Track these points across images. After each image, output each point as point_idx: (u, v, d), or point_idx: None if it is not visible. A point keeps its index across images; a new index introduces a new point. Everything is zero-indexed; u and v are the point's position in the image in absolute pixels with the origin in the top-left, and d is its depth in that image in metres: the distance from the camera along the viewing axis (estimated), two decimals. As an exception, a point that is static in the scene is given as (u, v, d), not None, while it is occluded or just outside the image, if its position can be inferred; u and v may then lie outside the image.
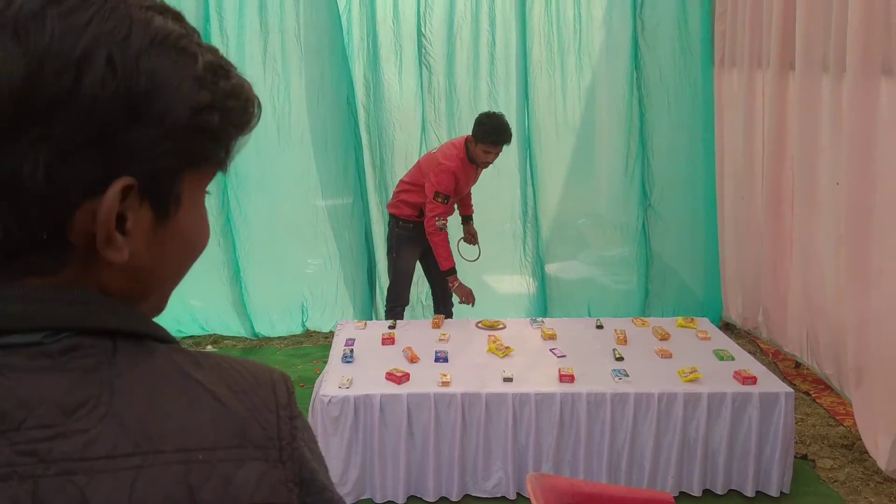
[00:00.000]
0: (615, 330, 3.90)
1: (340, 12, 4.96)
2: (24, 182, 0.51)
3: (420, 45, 5.10)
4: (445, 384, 3.31)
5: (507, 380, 3.35)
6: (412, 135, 5.18)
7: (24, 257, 0.54)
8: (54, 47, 0.51)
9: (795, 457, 3.47)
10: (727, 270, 5.23)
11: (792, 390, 3.38)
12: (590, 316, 4.65)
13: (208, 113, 0.57)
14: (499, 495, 3.33)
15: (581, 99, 5.29)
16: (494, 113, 4.14)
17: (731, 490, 3.38)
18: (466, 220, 4.59)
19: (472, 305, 4.28)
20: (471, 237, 4.58)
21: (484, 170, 4.31)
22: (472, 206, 4.60)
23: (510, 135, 4.08)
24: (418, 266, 4.53)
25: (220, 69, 0.60)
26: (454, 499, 3.31)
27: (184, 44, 0.57)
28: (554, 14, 5.17)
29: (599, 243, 5.50)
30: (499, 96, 5.20)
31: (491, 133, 4.01)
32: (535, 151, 5.24)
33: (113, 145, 0.53)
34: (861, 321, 3.65)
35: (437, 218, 4.06)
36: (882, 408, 3.53)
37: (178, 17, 0.60)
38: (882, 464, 3.45)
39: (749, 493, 3.33)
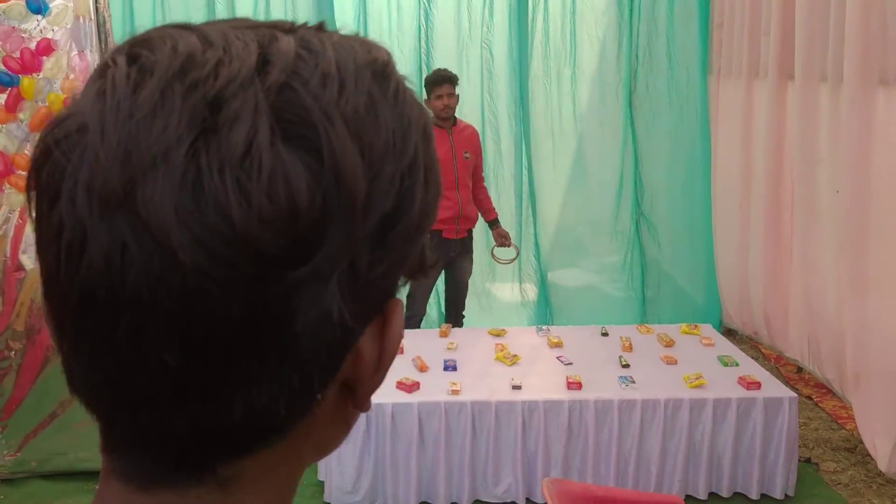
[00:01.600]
0: (620, 337, 3.96)
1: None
2: (323, 332, 0.36)
3: (419, 59, 5.18)
4: (455, 392, 3.37)
5: (516, 388, 3.41)
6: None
7: (249, 433, 0.38)
8: (390, 149, 0.37)
9: (799, 460, 3.54)
10: (723, 277, 5.31)
11: (795, 395, 3.45)
12: (592, 323, 4.71)
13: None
14: (509, 500, 3.38)
15: (577, 109, 5.39)
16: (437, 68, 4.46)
17: (736, 493, 3.44)
18: (493, 224, 4.69)
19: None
20: (502, 239, 4.69)
21: (471, 153, 4.42)
22: (492, 210, 4.70)
23: (446, 72, 4.29)
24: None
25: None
26: (465, 504, 3.38)
27: None
28: (550, 26, 5.26)
29: (599, 251, 5.58)
30: (497, 108, 5.29)
31: (427, 82, 4.33)
32: (532, 161, 5.33)
33: (401, 267, 0.40)
34: (860, 327, 3.72)
35: None
36: (880, 411, 3.59)
37: None
38: (883, 466, 3.51)
39: (754, 495, 3.40)
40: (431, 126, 0.42)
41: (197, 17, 4.85)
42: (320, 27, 0.40)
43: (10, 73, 3.21)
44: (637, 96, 5.33)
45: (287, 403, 0.37)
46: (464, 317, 4.66)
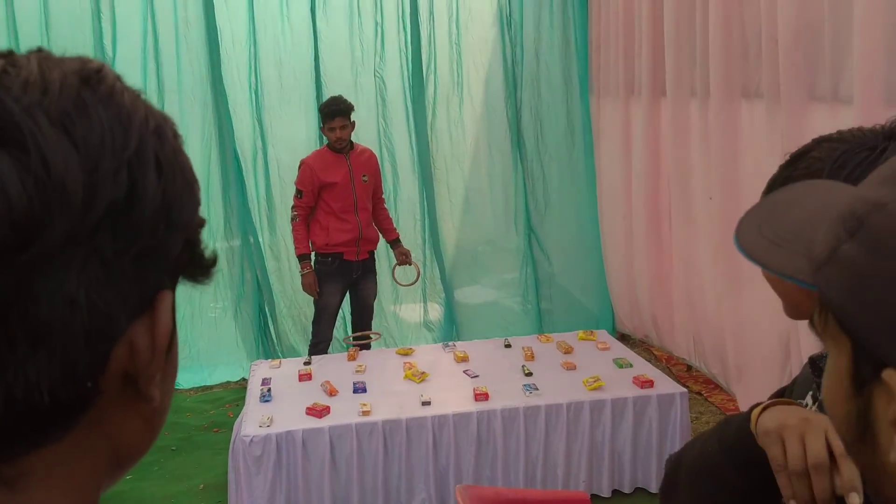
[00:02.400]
0: (522, 347, 4.10)
1: (223, 63, 5.08)
2: (73, 318, 0.38)
3: (318, 88, 5.24)
4: (366, 413, 3.40)
5: (426, 403, 3.49)
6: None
7: (28, 428, 0.39)
8: (107, 141, 0.39)
9: (693, 452, 3.75)
10: (614, 285, 5.59)
11: (685, 390, 3.68)
12: (495, 337, 4.85)
13: (201, 218, 0.48)
14: (423, 516, 3.44)
15: (466, 133, 5.59)
16: (332, 96, 4.44)
17: (637, 488, 3.62)
18: (394, 244, 4.69)
19: (314, 297, 4.49)
20: (403, 257, 4.67)
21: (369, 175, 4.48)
22: (394, 230, 4.72)
23: (336, 104, 4.28)
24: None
25: None
26: (380, 524, 3.40)
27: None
28: (437, 53, 5.45)
29: (497, 268, 5.77)
30: (392, 134, 5.41)
31: (321, 113, 4.38)
32: (428, 184, 5.48)
33: (156, 256, 0.42)
34: (737, 323, 4.01)
35: (292, 209, 4.43)
36: (760, 397, 3.85)
37: None
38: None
39: (654, 489, 3.58)
40: (168, 124, 0.45)
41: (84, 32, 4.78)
42: (39, 50, 0.43)
43: None
44: (523, 118, 5.59)
45: (50, 392, 0.38)
46: (370, 339, 4.69)
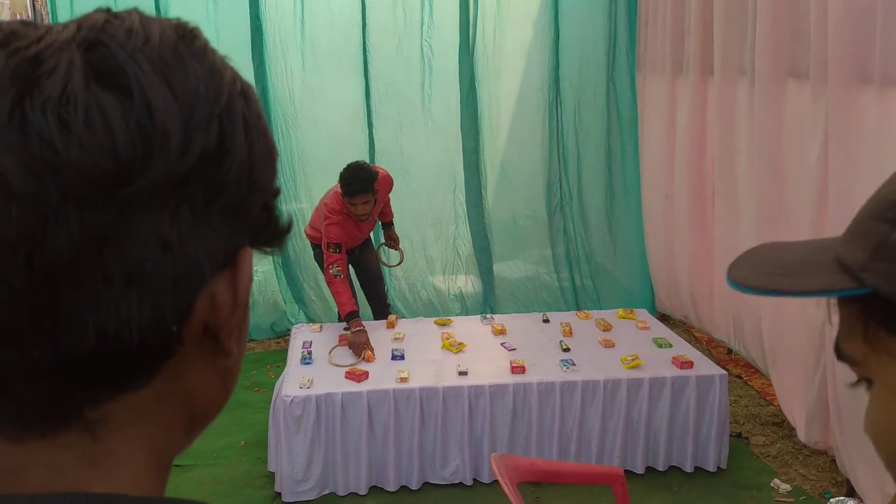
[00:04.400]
0: (561, 323, 4.11)
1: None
2: (164, 261, 0.40)
3: (365, 53, 5.26)
4: (403, 380, 3.45)
5: (462, 373, 3.52)
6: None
7: (110, 371, 0.40)
8: (202, 92, 0.41)
9: (730, 435, 3.74)
10: (655, 265, 5.54)
11: (725, 372, 3.66)
12: (533, 312, 4.86)
13: (277, 187, 0.48)
14: (456, 481, 3.49)
15: (509, 106, 5.55)
16: (350, 165, 3.95)
17: (671, 467, 3.62)
18: (387, 226, 4.53)
19: (361, 359, 3.74)
20: (392, 242, 4.55)
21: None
22: (390, 212, 4.49)
23: (358, 184, 3.87)
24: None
25: None
26: (414, 487, 3.46)
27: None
28: (486, 25, 5.40)
29: (537, 243, 5.75)
30: (435, 106, 5.41)
31: (343, 187, 3.92)
32: (476, 155, 5.47)
33: (240, 212, 0.43)
34: (774, 308, 3.96)
35: (331, 267, 3.98)
36: (794, 385, 3.83)
37: None
38: (802, 437, 3.74)
39: (688, 468, 3.58)
40: (251, 90, 0.46)
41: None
42: (135, 8, 0.44)
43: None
44: (564, 93, 5.52)
45: (139, 331, 0.39)
46: (389, 305, 4.63)
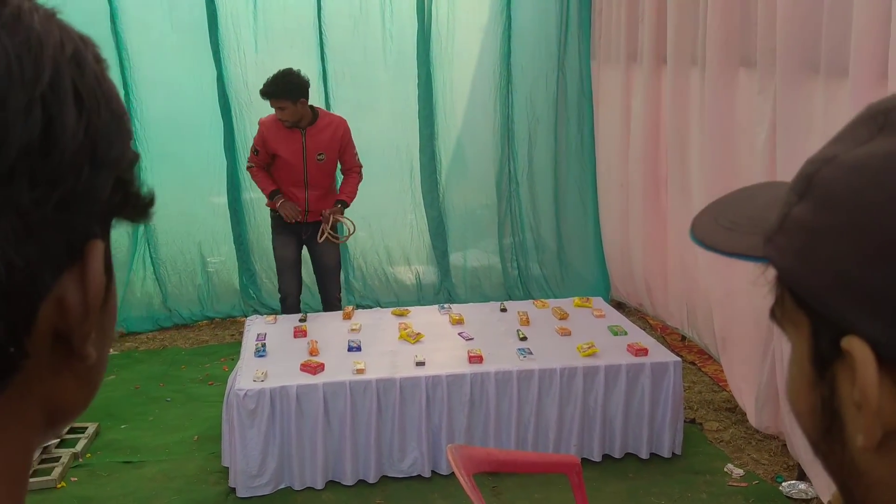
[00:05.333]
0: (518, 312, 4.11)
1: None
2: None
3: (321, 39, 5.20)
4: (360, 371, 3.41)
5: (420, 364, 3.49)
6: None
7: None
8: (15, 75, 0.35)
9: (685, 421, 3.79)
10: (610, 253, 5.59)
11: (679, 359, 3.69)
12: (490, 301, 4.86)
13: (134, 152, 0.43)
14: (415, 474, 3.47)
15: (464, 91, 5.54)
16: (278, 71, 4.09)
17: (627, 453, 3.66)
18: (336, 203, 4.36)
19: (298, 218, 4.23)
20: (332, 217, 4.31)
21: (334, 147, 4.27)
22: (346, 193, 4.39)
23: (268, 86, 4.03)
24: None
25: None
26: (371, 481, 3.43)
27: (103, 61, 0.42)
28: (439, 12, 5.37)
29: (492, 232, 5.76)
30: (398, 90, 5.38)
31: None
32: (432, 144, 5.46)
33: (83, 201, 0.38)
34: (724, 294, 4.02)
35: (248, 160, 4.35)
36: (744, 371, 3.90)
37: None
38: (752, 421, 3.81)
39: (644, 455, 3.62)
40: (88, 48, 0.40)
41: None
42: None
43: None
44: (516, 82, 5.53)
45: None
46: (339, 299, 4.57)
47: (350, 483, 3.41)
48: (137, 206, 0.43)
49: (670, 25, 4.43)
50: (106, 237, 0.41)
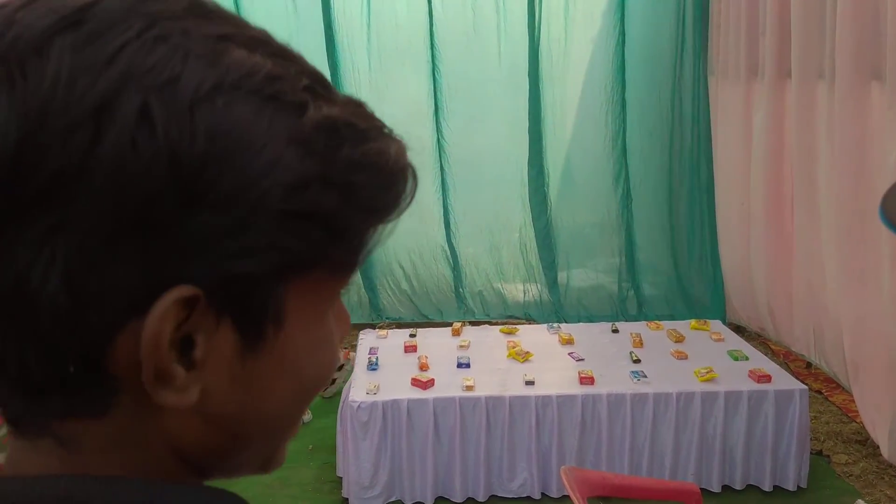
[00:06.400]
0: (630, 334, 4.00)
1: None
2: (34, 294, 0.34)
3: (433, 55, 5.29)
4: (469, 388, 3.40)
5: (529, 383, 3.45)
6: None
7: (56, 394, 0.37)
8: (60, 94, 0.34)
9: (811, 453, 3.57)
10: (729, 274, 5.36)
11: (806, 387, 3.49)
12: (598, 321, 4.76)
13: (318, 191, 0.38)
14: (524, 495, 3.41)
15: (572, 110, 5.48)
16: None
17: (749, 485, 3.47)
18: None
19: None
20: None
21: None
22: None
23: None
24: None
25: (347, 127, 0.40)
26: (481, 499, 3.40)
27: (279, 88, 0.38)
28: (553, 26, 5.35)
29: (602, 251, 5.65)
30: (506, 107, 5.39)
31: None
32: (541, 161, 5.43)
33: (159, 239, 0.35)
34: (857, 319, 3.77)
35: None
36: (877, 400, 3.64)
37: (280, 51, 0.40)
38: (885, 453, 3.55)
39: (767, 487, 3.43)
40: (213, 75, 0.36)
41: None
42: None
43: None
44: (630, 96, 5.42)
45: (22, 364, 0.36)
46: None
47: (459, 500, 3.39)
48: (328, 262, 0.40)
49: (794, 37, 4.24)
50: (203, 288, 0.36)
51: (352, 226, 0.41)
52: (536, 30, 5.30)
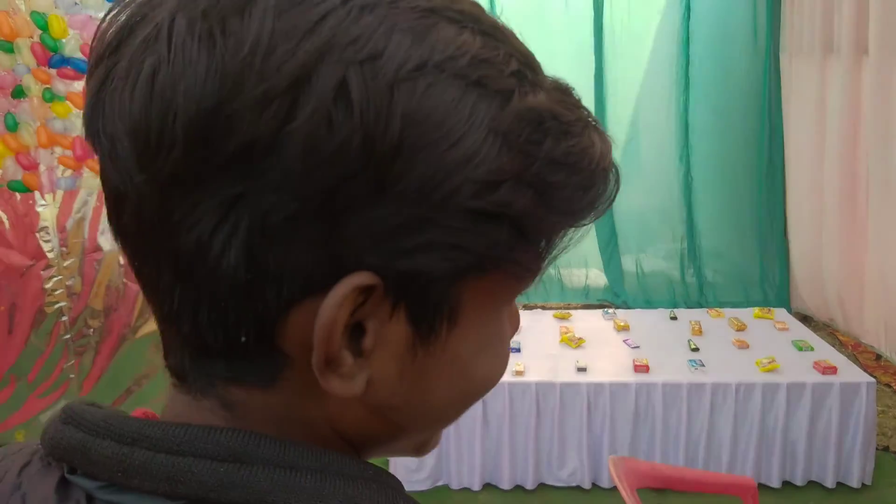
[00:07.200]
0: (689, 321, 3.88)
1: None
2: (214, 261, 0.34)
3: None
4: (519, 374, 3.35)
5: (581, 370, 3.37)
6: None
7: (223, 359, 0.37)
8: (258, 60, 0.32)
9: (877, 448, 3.40)
10: (796, 261, 5.15)
11: (874, 380, 3.32)
12: (657, 307, 4.63)
13: (512, 189, 0.36)
14: (574, 484, 3.35)
15: (634, 87, 5.31)
16: None
17: (811, 481, 3.33)
18: None
19: None
20: None
21: None
22: None
23: None
24: None
25: (551, 119, 0.37)
26: (529, 487, 3.35)
27: (485, 72, 0.35)
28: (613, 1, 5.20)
29: (664, 235, 5.49)
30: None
31: None
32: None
33: (344, 222, 0.34)
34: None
35: None
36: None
37: (491, 29, 0.37)
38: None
39: (829, 484, 3.28)
40: (422, 55, 0.34)
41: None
42: None
43: (88, 60, 3.31)
44: (694, 75, 5.22)
45: (210, 329, 0.36)
46: None
47: (507, 487, 3.35)
48: (402, 250, 0.36)
49: (873, 12, 4.00)
50: (384, 277, 0.35)
51: (543, 229, 0.39)
52: (601, 4, 5.15)
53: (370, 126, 0.33)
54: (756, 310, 4.04)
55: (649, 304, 5.12)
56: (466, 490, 3.36)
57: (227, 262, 0.34)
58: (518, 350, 3.59)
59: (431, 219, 0.35)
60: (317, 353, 0.35)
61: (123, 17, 0.35)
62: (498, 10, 5.17)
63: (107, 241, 3.49)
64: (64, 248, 3.51)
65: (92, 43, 0.37)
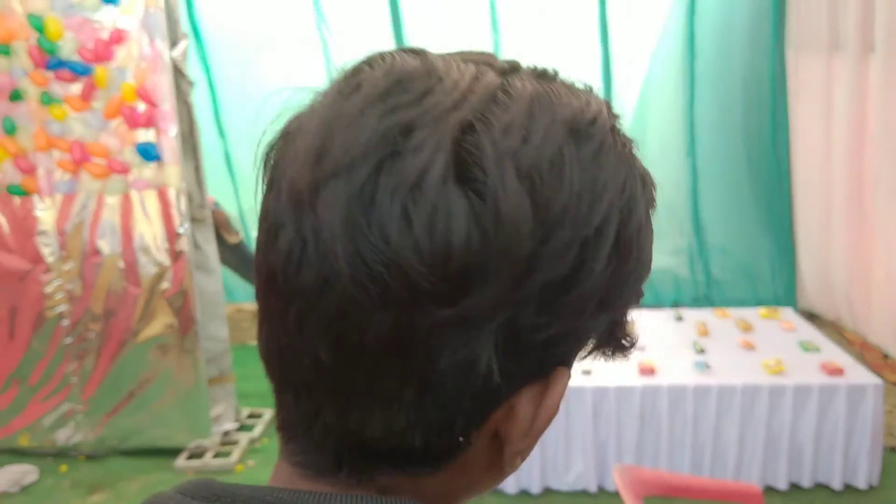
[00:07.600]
0: (695, 322, 3.85)
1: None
2: (466, 379, 0.37)
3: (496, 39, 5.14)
4: (524, 377, 3.32)
5: (586, 372, 3.34)
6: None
7: (416, 457, 0.40)
8: (570, 213, 0.36)
9: (885, 449, 3.38)
10: (803, 258, 5.11)
11: (881, 382, 3.29)
12: (662, 305, 4.60)
13: (639, 295, 0.44)
14: (580, 488, 3.33)
15: (637, 82, 5.26)
16: None
17: (818, 483, 3.31)
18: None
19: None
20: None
21: None
22: None
23: None
24: None
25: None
26: (535, 492, 3.33)
27: (651, 196, 0.44)
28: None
29: (668, 232, 5.45)
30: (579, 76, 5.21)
31: None
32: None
33: (573, 337, 0.40)
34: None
35: None
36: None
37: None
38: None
39: (837, 486, 3.26)
40: (645, 190, 0.41)
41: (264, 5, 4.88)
42: (543, 73, 0.41)
43: (84, 62, 3.28)
44: (699, 71, 5.16)
45: (423, 435, 0.38)
46: None
47: (513, 492, 3.34)
48: (618, 349, 0.44)
49: (879, 6, 3.95)
50: (571, 365, 0.42)
51: (626, 315, 0.44)
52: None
53: (622, 266, 0.39)
54: (762, 310, 4.02)
55: (656, 300, 5.09)
56: (471, 494, 3.34)
57: (488, 374, 0.37)
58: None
59: (615, 321, 0.42)
60: (516, 441, 0.41)
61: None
62: (500, 7, 5.12)
63: (106, 244, 3.46)
64: (63, 252, 3.48)
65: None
